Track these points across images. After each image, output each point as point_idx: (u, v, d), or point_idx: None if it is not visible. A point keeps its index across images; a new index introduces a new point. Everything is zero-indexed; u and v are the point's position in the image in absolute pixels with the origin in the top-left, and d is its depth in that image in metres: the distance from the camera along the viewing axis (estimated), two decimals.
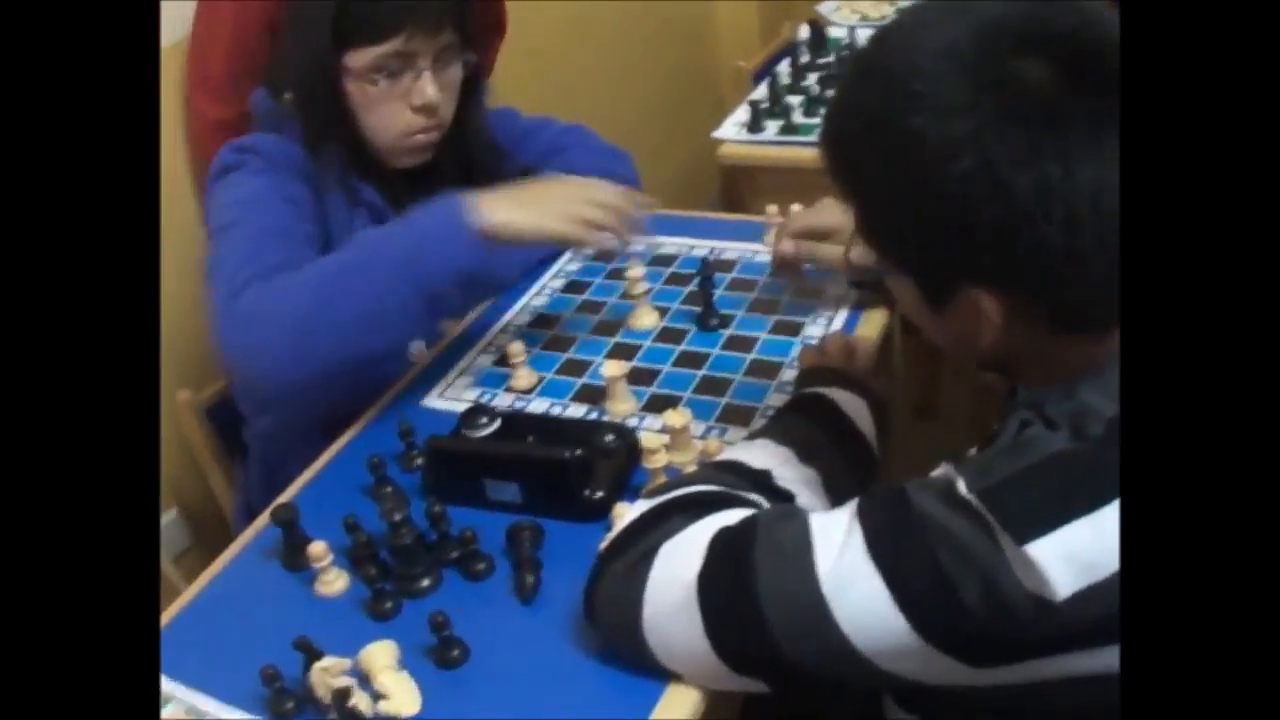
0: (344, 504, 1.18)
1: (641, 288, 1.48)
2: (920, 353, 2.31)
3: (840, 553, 0.83)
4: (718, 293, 1.50)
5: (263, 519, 1.23)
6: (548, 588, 1.08)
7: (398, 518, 1.08)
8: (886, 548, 0.82)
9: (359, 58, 1.43)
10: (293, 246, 1.35)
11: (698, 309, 1.48)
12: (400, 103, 1.46)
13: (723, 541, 0.90)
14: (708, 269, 1.46)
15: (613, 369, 1.30)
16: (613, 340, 1.46)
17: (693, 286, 1.54)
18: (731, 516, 0.92)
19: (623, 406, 1.31)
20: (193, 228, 1.49)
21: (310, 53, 1.44)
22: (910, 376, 2.41)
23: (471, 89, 1.56)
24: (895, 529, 0.82)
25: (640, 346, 1.44)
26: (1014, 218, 0.75)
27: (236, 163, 1.46)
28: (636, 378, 1.36)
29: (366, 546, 1.11)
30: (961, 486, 0.80)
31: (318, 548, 1.10)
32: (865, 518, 0.84)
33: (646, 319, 1.49)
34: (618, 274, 1.61)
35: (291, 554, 1.16)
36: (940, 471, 0.85)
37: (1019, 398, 0.93)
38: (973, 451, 0.90)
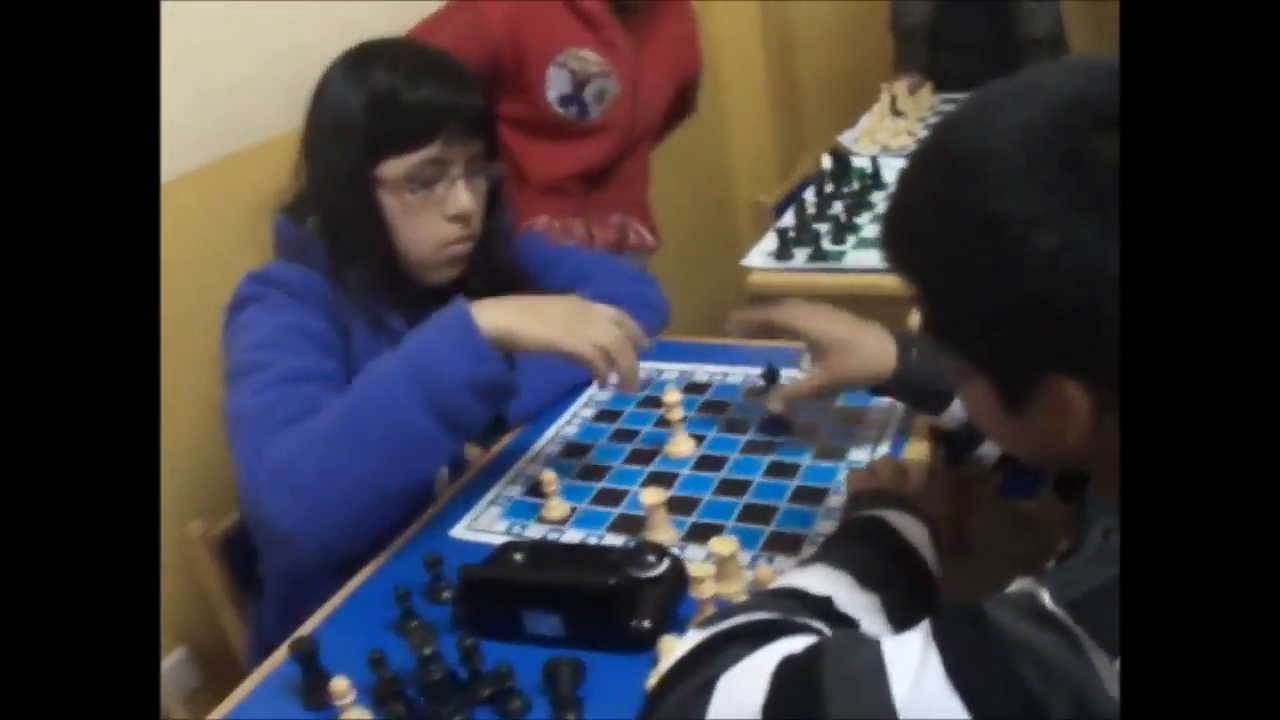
0: (367, 638, 1.10)
1: (678, 414, 1.43)
2: (950, 485, 2.25)
3: (917, 678, 0.76)
4: (757, 418, 1.45)
5: (280, 653, 1.15)
6: None
7: (427, 652, 1.01)
8: (966, 670, 0.74)
9: (394, 167, 1.40)
10: (312, 391, 1.30)
11: (738, 437, 1.43)
12: (435, 212, 1.43)
13: (789, 671, 0.82)
14: (771, 372, 1.48)
15: (652, 496, 1.23)
16: (649, 469, 1.40)
17: (731, 414, 1.50)
18: (795, 644, 0.85)
19: (664, 536, 1.24)
20: (212, 355, 1.44)
21: (343, 166, 1.41)
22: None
23: (495, 203, 1.53)
24: (975, 649, 0.75)
25: (678, 475, 1.38)
26: (1100, 298, 0.71)
27: (256, 295, 1.41)
28: (675, 507, 1.29)
29: (392, 683, 1.04)
30: (1046, 599, 0.73)
31: (340, 684, 1.02)
32: (941, 639, 0.77)
33: (683, 446, 1.43)
34: (652, 402, 1.55)
35: (311, 691, 1.08)
36: (1019, 586, 0.78)
37: (1089, 509, 0.87)
38: (1052, 564, 0.83)
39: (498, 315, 1.25)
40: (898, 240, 0.84)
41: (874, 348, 1.29)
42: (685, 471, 1.38)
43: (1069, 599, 0.72)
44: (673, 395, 1.43)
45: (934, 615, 0.80)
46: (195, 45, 1.84)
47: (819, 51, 3.80)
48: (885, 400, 1.44)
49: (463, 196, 1.43)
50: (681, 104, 2.37)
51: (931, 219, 0.80)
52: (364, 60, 1.44)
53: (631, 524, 1.29)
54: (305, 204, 1.47)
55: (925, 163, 0.83)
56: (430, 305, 1.48)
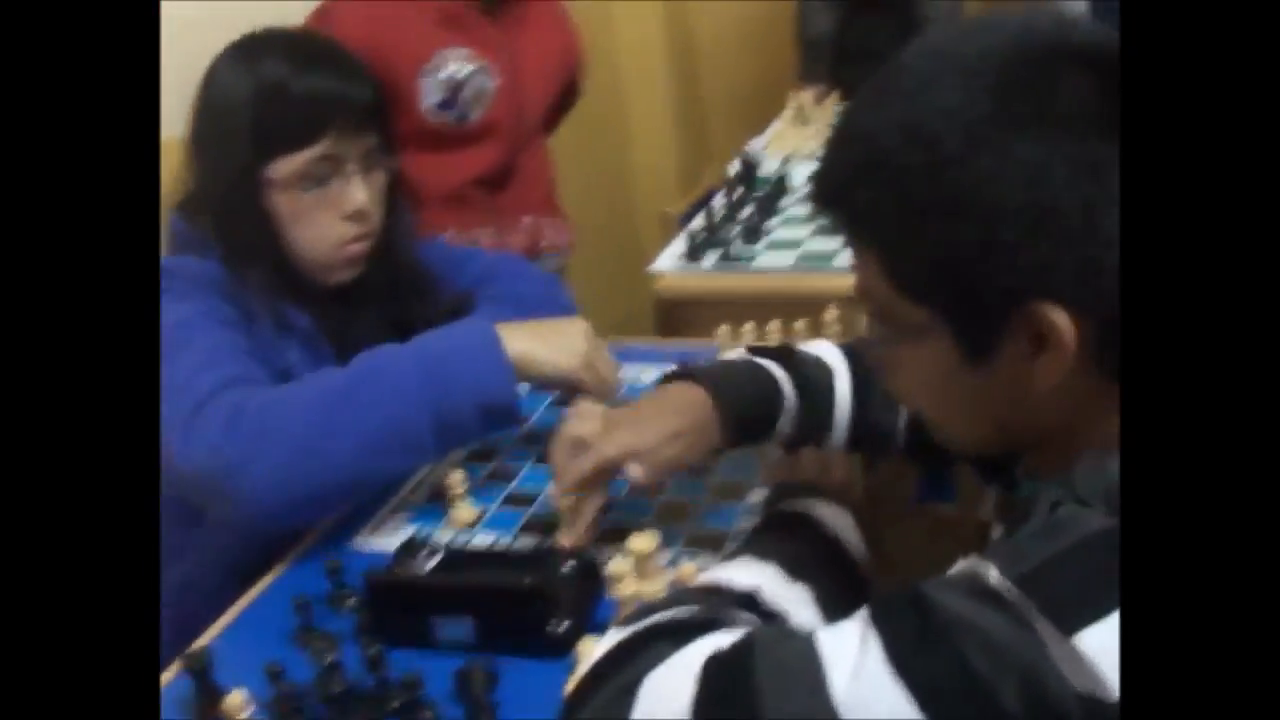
0: (265, 651, 1.03)
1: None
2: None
3: (856, 668, 0.72)
4: None
5: (171, 669, 1.07)
6: None
7: (329, 660, 0.95)
8: (909, 655, 0.70)
9: (283, 166, 1.33)
10: (248, 362, 1.26)
11: None
12: (330, 212, 1.36)
13: (717, 668, 0.77)
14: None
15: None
16: None
17: None
18: (722, 639, 0.80)
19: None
20: None
21: (229, 167, 1.34)
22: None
23: (395, 199, 1.47)
24: (917, 633, 0.71)
25: None
26: (1090, 203, 0.70)
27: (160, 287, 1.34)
28: None
29: (293, 697, 0.97)
30: (993, 575, 0.69)
31: (236, 699, 0.95)
32: (880, 625, 0.73)
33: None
34: (561, 403, 1.50)
35: (205, 707, 1.00)
36: (961, 566, 0.74)
37: (1025, 487, 0.85)
38: (995, 540, 0.80)
39: (519, 340, 1.24)
40: (840, 190, 0.81)
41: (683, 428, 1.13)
42: None
43: (1017, 574, 0.69)
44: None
45: (871, 602, 0.76)
46: None
47: (723, 63, 3.78)
48: None
49: (358, 193, 1.37)
50: (569, 93, 2.30)
51: (871, 160, 0.77)
52: (252, 49, 1.37)
53: (545, 525, 1.24)
54: (197, 202, 1.40)
55: (862, 105, 0.80)
56: (335, 303, 1.42)
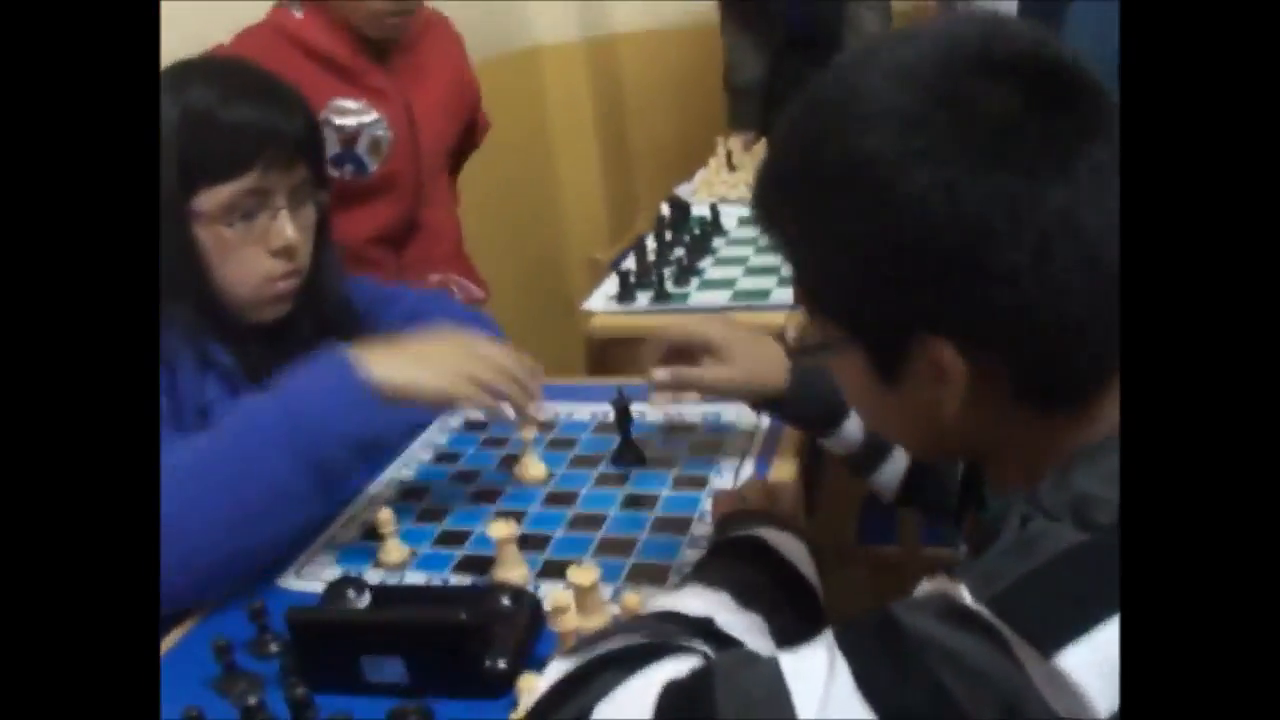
0: (185, 696, 0.96)
1: (530, 433, 1.34)
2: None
3: (825, 696, 0.67)
4: (608, 453, 1.36)
5: None
6: None
7: (252, 702, 0.88)
8: (880, 682, 0.66)
9: (210, 199, 1.26)
10: None
11: (589, 471, 1.33)
12: (257, 247, 1.30)
13: (675, 698, 0.72)
14: (622, 402, 1.35)
15: (501, 530, 1.12)
16: (494, 508, 1.30)
17: (578, 451, 1.40)
18: (679, 666, 0.75)
19: (516, 573, 1.13)
20: None
21: None
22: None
23: (324, 235, 1.41)
24: (888, 657, 0.66)
25: (527, 511, 1.27)
26: (976, 239, 0.67)
27: None
28: (527, 545, 1.19)
29: None
30: (965, 596, 0.65)
31: None
32: (847, 648, 0.69)
33: (536, 469, 1.34)
34: (493, 443, 1.45)
35: None
36: (929, 587, 0.70)
37: (991, 506, 0.82)
38: (963, 561, 0.76)
39: (387, 367, 1.17)
40: (766, 195, 0.79)
41: (771, 357, 1.22)
42: (535, 509, 1.28)
43: (990, 594, 0.65)
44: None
45: (836, 626, 0.72)
46: None
47: (650, 112, 3.79)
48: (746, 422, 1.38)
49: (286, 229, 1.31)
50: (470, 132, 2.25)
51: (799, 166, 0.75)
52: (180, 76, 1.31)
53: (479, 564, 1.18)
54: None
55: (796, 113, 0.77)
56: (259, 341, 1.36)
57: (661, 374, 1.24)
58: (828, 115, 0.73)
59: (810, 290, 0.79)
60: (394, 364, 1.18)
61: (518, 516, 1.24)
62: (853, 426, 1.20)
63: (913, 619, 0.67)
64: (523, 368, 1.25)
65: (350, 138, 1.90)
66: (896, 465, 1.21)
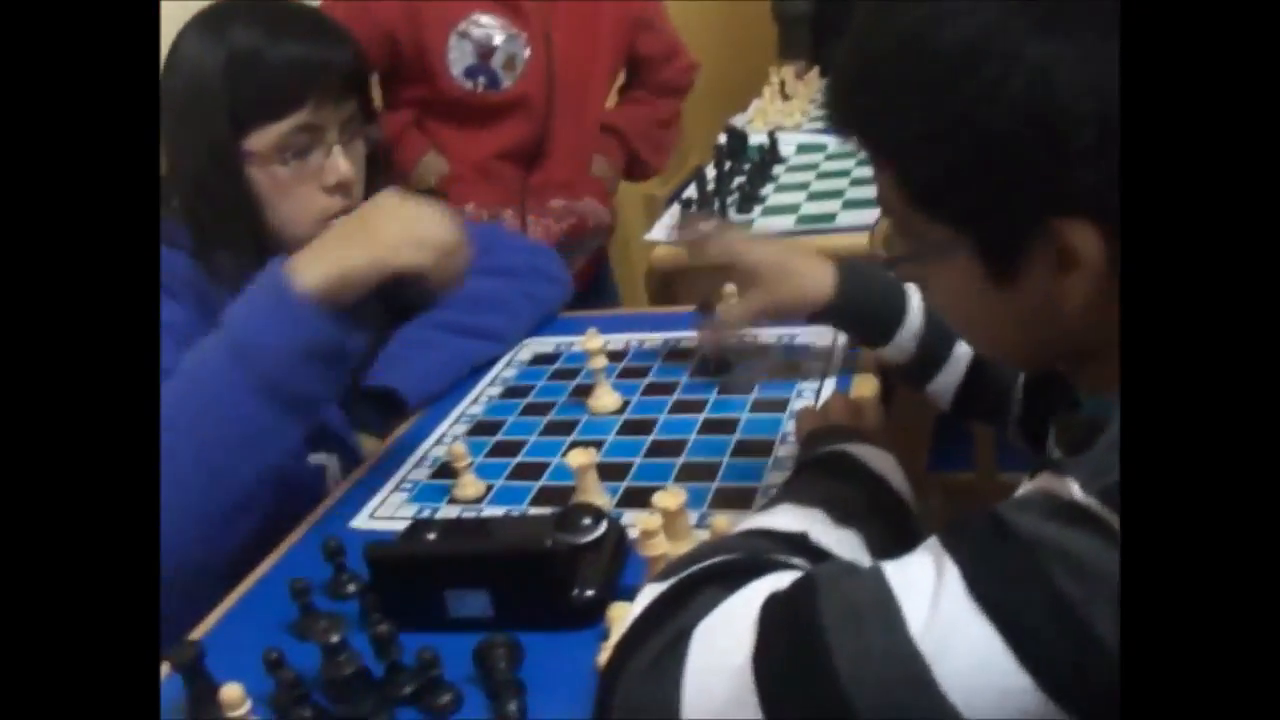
0: (263, 643, 0.93)
1: (600, 362, 1.30)
2: None
3: (934, 601, 0.63)
4: (683, 380, 1.32)
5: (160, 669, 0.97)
6: (536, 716, 0.85)
7: (334, 640, 0.85)
8: (992, 582, 0.62)
9: (262, 138, 1.23)
10: None
11: (665, 398, 1.30)
12: (312, 184, 1.27)
13: (778, 611, 0.68)
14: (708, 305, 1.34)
15: (580, 457, 1.09)
16: (569, 439, 1.26)
17: (651, 378, 1.36)
18: (780, 580, 0.71)
19: (596, 501, 1.09)
20: None
21: (204, 141, 1.24)
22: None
23: (375, 169, 1.37)
24: (998, 558, 0.62)
25: (605, 440, 1.23)
26: (1108, 108, 0.61)
27: None
28: (605, 474, 1.14)
29: (295, 687, 0.87)
30: (1075, 491, 0.61)
31: (232, 692, 0.84)
32: (957, 552, 0.64)
33: (608, 399, 1.30)
34: (563, 374, 1.41)
35: (198, 705, 0.90)
36: (1033, 486, 0.66)
37: (1087, 406, 0.79)
38: (1061, 458, 0.72)
39: (317, 264, 1.08)
40: (853, 93, 0.74)
41: (813, 272, 1.19)
42: (611, 437, 1.24)
43: (1101, 486, 0.60)
44: (595, 341, 1.30)
45: (943, 529, 0.67)
46: None
47: (700, 45, 3.69)
48: (823, 341, 1.34)
49: (341, 164, 1.28)
50: (641, 68, 2.25)
51: (890, 60, 0.70)
52: (220, 17, 1.28)
53: (557, 495, 1.14)
54: (166, 184, 1.30)
55: (874, 13, 0.72)
56: None
57: (706, 334, 1.30)
58: (912, 7, 0.69)
59: (911, 194, 0.74)
60: (320, 257, 1.09)
61: (596, 445, 1.20)
62: (906, 335, 1.17)
63: (1019, 519, 0.63)
64: (459, 229, 1.15)
65: (486, 52, 1.91)
66: (951, 374, 1.18)
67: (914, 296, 1.17)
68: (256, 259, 1.28)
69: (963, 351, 1.16)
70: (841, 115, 0.76)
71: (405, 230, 1.11)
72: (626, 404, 1.31)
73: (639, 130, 2.27)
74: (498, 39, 1.92)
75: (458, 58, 1.92)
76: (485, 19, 1.91)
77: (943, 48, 0.66)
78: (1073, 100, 0.62)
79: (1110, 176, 0.62)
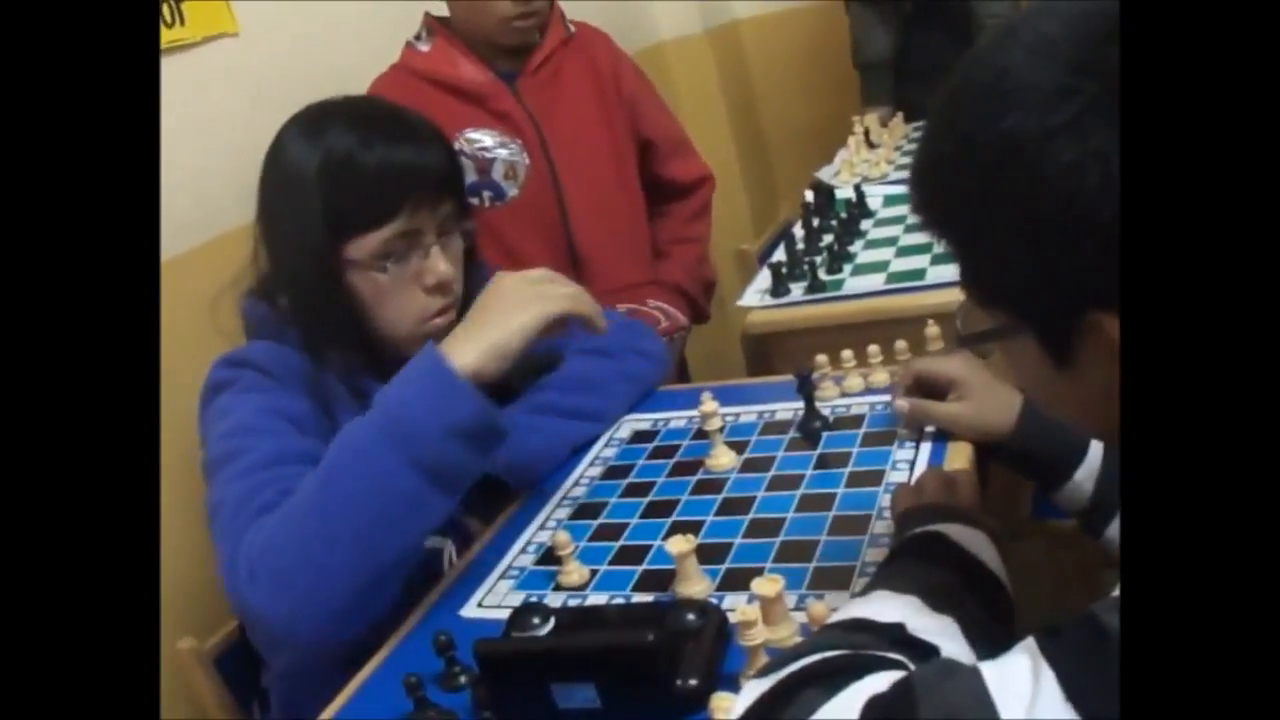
0: None
1: (716, 423, 1.35)
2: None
3: (1031, 705, 0.64)
4: (779, 454, 1.34)
5: None
6: None
7: None
8: (1089, 689, 0.63)
9: (361, 247, 1.28)
10: (293, 474, 1.17)
11: (762, 475, 1.32)
12: (412, 286, 1.31)
13: (878, 714, 0.70)
14: (807, 378, 1.38)
15: (679, 545, 1.11)
16: (669, 520, 1.28)
17: (749, 454, 1.38)
18: (878, 682, 0.73)
19: (697, 587, 1.11)
20: (189, 458, 1.32)
21: (305, 247, 1.28)
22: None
23: (472, 260, 1.41)
24: (1095, 662, 0.63)
25: (704, 522, 1.25)
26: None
27: (229, 380, 1.29)
28: (705, 556, 1.16)
29: None
30: None
31: None
32: (1053, 655, 0.65)
33: (724, 459, 1.36)
34: (662, 452, 1.44)
35: None
36: None
37: None
38: None
39: (467, 344, 1.15)
40: (923, 185, 0.77)
41: (1005, 401, 1.23)
42: (710, 517, 1.26)
43: None
44: (710, 405, 1.35)
45: (1040, 630, 0.69)
46: None
47: (781, 97, 3.73)
48: None
49: (440, 265, 1.32)
50: (654, 160, 2.17)
51: (951, 153, 0.73)
52: (317, 120, 1.33)
53: (659, 580, 1.17)
54: (272, 283, 1.36)
55: (946, 98, 0.74)
56: None
57: (902, 403, 1.31)
58: (975, 99, 0.71)
59: (976, 280, 0.77)
60: (468, 337, 1.16)
61: (694, 527, 1.23)
62: (1083, 477, 1.17)
63: (1116, 620, 0.64)
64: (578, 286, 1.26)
65: (485, 165, 1.92)
66: None
67: (1095, 445, 1.18)
68: (364, 354, 1.33)
69: None
70: (916, 200, 0.79)
71: (533, 290, 1.19)
72: (742, 458, 1.37)
73: (692, 275, 2.21)
74: (494, 150, 1.92)
75: None
76: (476, 134, 1.91)
77: (989, 140, 0.68)
78: (1109, 194, 0.64)
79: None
